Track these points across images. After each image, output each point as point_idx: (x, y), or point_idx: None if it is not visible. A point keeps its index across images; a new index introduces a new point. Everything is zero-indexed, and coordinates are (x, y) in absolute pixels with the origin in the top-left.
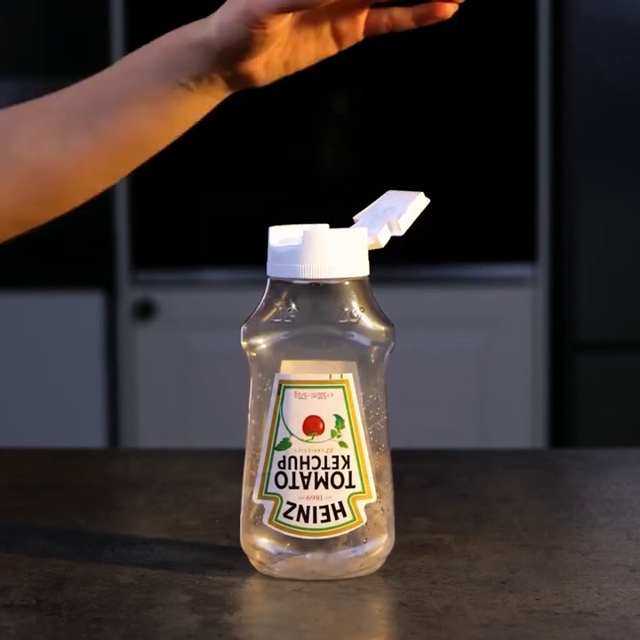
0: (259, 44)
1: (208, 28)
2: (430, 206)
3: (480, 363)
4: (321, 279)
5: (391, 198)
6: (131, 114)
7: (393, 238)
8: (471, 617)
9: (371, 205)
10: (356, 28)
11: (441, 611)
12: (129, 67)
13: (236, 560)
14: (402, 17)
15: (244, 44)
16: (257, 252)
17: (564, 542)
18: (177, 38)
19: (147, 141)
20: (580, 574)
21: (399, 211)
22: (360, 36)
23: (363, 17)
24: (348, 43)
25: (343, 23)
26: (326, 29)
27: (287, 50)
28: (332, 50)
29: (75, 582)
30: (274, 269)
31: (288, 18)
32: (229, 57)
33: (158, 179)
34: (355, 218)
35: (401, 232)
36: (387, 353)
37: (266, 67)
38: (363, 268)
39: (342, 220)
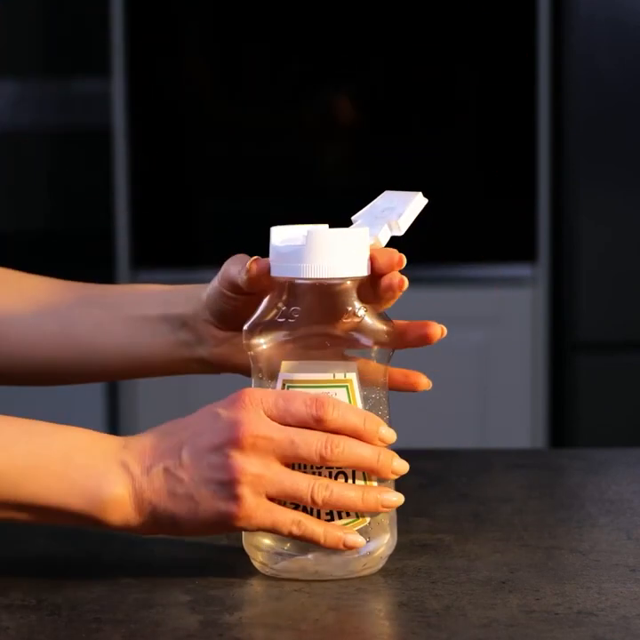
0: (230, 305)
1: (209, 284)
2: (430, 206)
3: (480, 363)
4: (323, 279)
5: (389, 198)
6: (98, 318)
7: (393, 238)
8: (471, 617)
9: (368, 205)
10: None
11: (441, 611)
12: (126, 286)
13: (236, 560)
14: None
15: (220, 302)
16: (257, 253)
17: (563, 542)
18: (180, 286)
19: (97, 346)
20: (579, 574)
21: (398, 211)
22: None
23: None
24: None
25: None
26: None
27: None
28: None
29: (75, 582)
30: (276, 269)
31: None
32: (210, 311)
33: (158, 178)
34: (353, 218)
35: (401, 232)
36: (389, 353)
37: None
38: (365, 268)
39: (342, 220)
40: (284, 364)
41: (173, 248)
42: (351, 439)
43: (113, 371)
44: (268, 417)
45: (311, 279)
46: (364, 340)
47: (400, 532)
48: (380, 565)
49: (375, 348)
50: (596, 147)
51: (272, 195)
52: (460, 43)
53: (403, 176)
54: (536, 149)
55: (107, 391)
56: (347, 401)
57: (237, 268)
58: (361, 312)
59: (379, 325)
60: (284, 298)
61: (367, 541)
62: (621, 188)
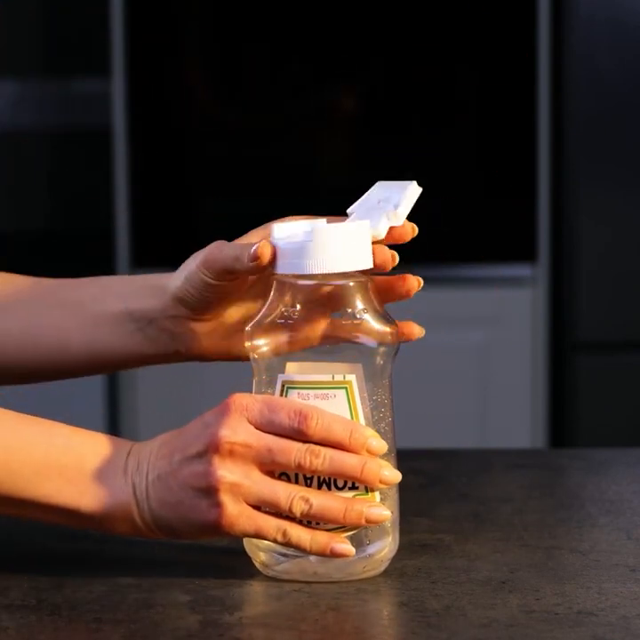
0: (213, 294)
1: (175, 276)
2: (431, 206)
3: (480, 363)
4: (327, 275)
5: (383, 189)
6: (61, 316)
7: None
8: (471, 617)
9: (363, 197)
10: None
11: (441, 611)
12: (88, 280)
13: (235, 560)
14: None
15: (201, 291)
16: None
17: (563, 542)
18: (143, 277)
19: (61, 345)
20: (579, 574)
21: (394, 201)
22: (316, 338)
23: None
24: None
25: None
26: None
27: (240, 321)
28: None
29: (75, 582)
30: (281, 266)
31: (241, 280)
32: (183, 304)
33: (158, 178)
34: (349, 211)
35: (399, 222)
36: (392, 354)
37: (215, 330)
38: (369, 261)
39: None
40: (287, 366)
41: (173, 248)
42: (334, 449)
43: (78, 369)
44: (253, 425)
45: (316, 276)
46: (366, 341)
47: (400, 532)
48: (382, 568)
49: (377, 348)
50: (596, 147)
51: (272, 195)
52: (460, 43)
53: (403, 176)
54: (536, 149)
55: (107, 390)
56: (345, 402)
57: (229, 253)
58: (362, 313)
59: (381, 326)
60: (286, 299)
61: (367, 544)
62: (621, 187)
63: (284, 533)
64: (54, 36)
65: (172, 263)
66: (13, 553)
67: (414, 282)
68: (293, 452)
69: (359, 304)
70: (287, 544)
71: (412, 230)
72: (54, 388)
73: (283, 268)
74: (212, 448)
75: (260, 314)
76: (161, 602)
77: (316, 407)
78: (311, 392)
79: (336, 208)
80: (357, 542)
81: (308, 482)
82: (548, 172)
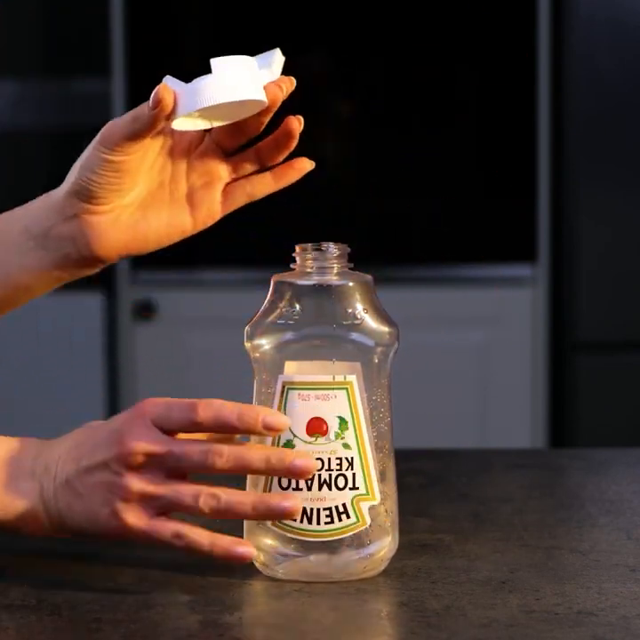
0: (113, 174)
1: (66, 179)
2: (431, 206)
3: (480, 363)
4: (327, 274)
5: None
6: None
7: (395, 240)
8: (471, 617)
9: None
10: (212, 196)
11: (441, 611)
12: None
13: None
14: (262, 182)
15: (100, 173)
16: (256, 252)
17: (563, 542)
18: (41, 196)
19: None
20: (579, 574)
21: (262, 61)
22: (217, 212)
23: (219, 186)
24: (204, 216)
25: (198, 190)
26: (180, 194)
27: (138, 210)
28: (185, 221)
29: (75, 582)
30: (179, 111)
31: (141, 152)
32: (81, 196)
33: None
34: (212, 60)
35: (274, 76)
36: (391, 354)
37: (114, 224)
38: (262, 92)
39: (342, 219)
40: (285, 366)
41: (173, 248)
42: (239, 446)
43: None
44: (158, 427)
45: (313, 276)
46: (366, 342)
47: (400, 532)
48: (382, 568)
49: (377, 348)
50: (596, 147)
51: (272, 195)
52: (460, 43)
53: (403, 176)
54: (536, 149)
55: (107, 391)
56: (346, 403)
57: (126, 119)
58: (362, 313)
59: (380, 326)
60: (286, 299)
61: (368, 544)
62: (621, 187)
63: (181, 538)
64: (54, 36)
65: (172, 263)
66: (13, 553)
67: (295, 122)
68: (195, 453)
69: (359, 304)
70: (186, 549)
71: (290, 82)
72: (55, 388)
73: (182, 110)
74: (118, 457)
75: (259, 314)
76: (161, 602)
77: (212, 399)
78: (312, 393)
79: (336, 208)
80: (358, 542)
81: (308, 483)
82: (548, 172)
